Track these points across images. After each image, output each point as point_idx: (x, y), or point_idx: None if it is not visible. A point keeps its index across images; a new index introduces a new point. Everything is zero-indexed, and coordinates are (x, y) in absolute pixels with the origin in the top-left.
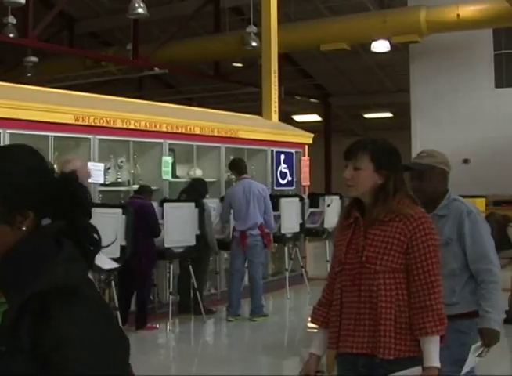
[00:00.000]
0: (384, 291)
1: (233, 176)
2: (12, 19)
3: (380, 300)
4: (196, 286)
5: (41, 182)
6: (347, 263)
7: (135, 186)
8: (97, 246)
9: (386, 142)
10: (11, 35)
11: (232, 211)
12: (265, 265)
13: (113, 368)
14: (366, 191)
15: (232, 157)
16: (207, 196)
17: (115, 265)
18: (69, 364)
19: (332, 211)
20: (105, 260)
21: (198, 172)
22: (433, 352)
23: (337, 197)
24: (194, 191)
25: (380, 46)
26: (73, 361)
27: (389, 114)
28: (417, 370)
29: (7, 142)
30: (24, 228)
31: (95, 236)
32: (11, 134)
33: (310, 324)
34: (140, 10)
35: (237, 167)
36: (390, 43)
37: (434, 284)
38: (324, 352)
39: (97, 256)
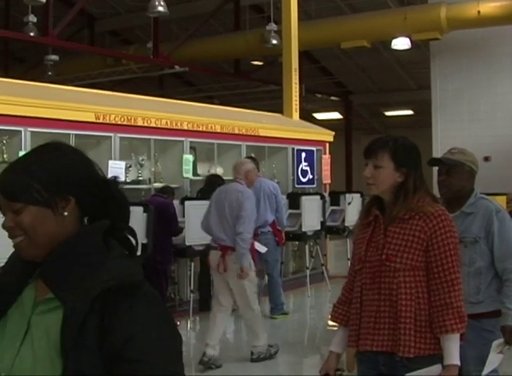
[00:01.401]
0: (404, 289)
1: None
2: (32, 18)
3: (400, 298)
4: None
5: (84, 175)
6: (367, 261)
7: (156, 184)
8: (133, 250)
9: (406, 140)
10: (31, 34)
11: None
12: (285, 263)
13: (174, 362)
14: (387, 189)
15: (253, 155)
16: None
17: None
18: (137, 360)
19: (353, 209)
20: None
21: (219, 170)
22: (453, 349)
23: (357, 195)
24: (210, 189)
25: (401, 43)
26: (141, 356)
27: (410, 112)
28: (437, 368)
29: (28, 141)
30: (66, 213)
31: (133, 240)
32: (32, 132)
33: (330, 322)
34: (160, 8)
35: None
36: (410, 40)
37: (454, 282)
38: (344, 351)
39: None
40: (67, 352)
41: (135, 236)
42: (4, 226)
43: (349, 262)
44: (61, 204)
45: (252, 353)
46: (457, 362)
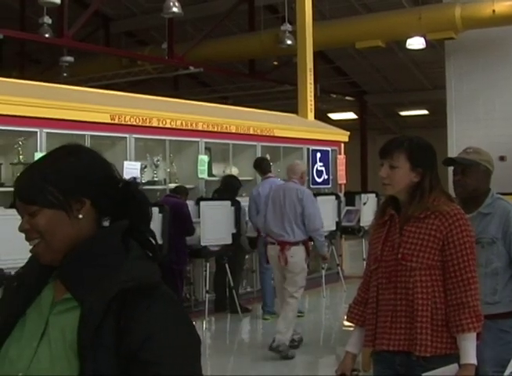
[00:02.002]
0: (420, 288)
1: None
2: (47, 20)
3: (417, 297)
4: (232, 284)
5: (100, 177)
6: (383, 260)
7: (172, 185)
8: (154, 251)
9: (421, 140)
10: (47, 35)
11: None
12: None
13: (192, 363)
14: (402, 189)
15: (268, 156)
16: (243, 194)
17: None
18: (154, 361)
19: (368, 209)
20: None
21: (234, 171)
22: (470, 349)
23: (373, 195)
24: (226, 190)
25: (416, 43)
26: (158, 357)
27: (425, 112)
28: (454, 367)
29: (44, 142)
30: (81, 216)
31: (154, 242)
32: (48, 133)
33: (346, 323)
34: (175, 9)
35: (261, 166)
36: (425, 40)
37: (471, 281)
38: (360, 351)
39: None
40: (84, 352)
41: (154, 237)
42: (20, 229)
43: (364, 263)
44: (76, 207)
45: (273, 340)
46: (474, 361)
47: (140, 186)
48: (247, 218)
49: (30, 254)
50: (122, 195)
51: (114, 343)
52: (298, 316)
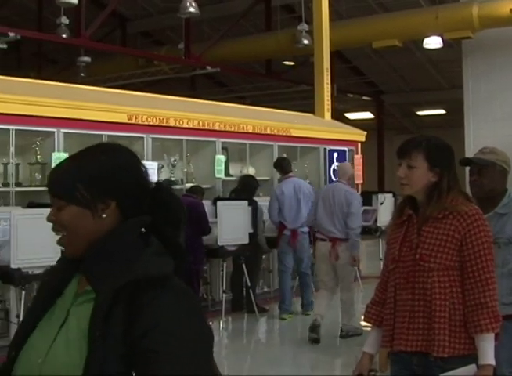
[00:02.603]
0: (438, 289)
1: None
2: (64, 20)
3: (435, 298)
4: (249, 284)
5: (129, 180)
6: (400, 261)
7: (189, 185)
8: (177, 251)
9: (439, 140)
10: (64, 36)
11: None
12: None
13: (198, 356)
14: (420, 189)
15: (285, 156)
16: (261, 194)
17: None
18: (156, 350)
19: (385, 209)
20: None
21: (251, 170)
22: (488, 349)
23: (390, 195)
24: (244, 190)
25: (433, 42)
26: (160, 346)
27: (442, 111)
28: (472, 368)
29: (61, 142)
30: (104, 215)
31: (178, 245)
32: (65, 133)
33: (363, 323)
34: (192, 9)
35: (282, 165)
36: (442, 39)
37: (489, 281)
38: (377, 351)
39: None
40: (93, 341)
41: (177, 237)
42: (47, 219)
43: (381, 263)
44: (100, 207)
45: (341, 330)
46: (492, 362)
47: (173, 189)
48: (265, 218)
49: (46, 254)
50: (151, 198)
51: (122, 332)
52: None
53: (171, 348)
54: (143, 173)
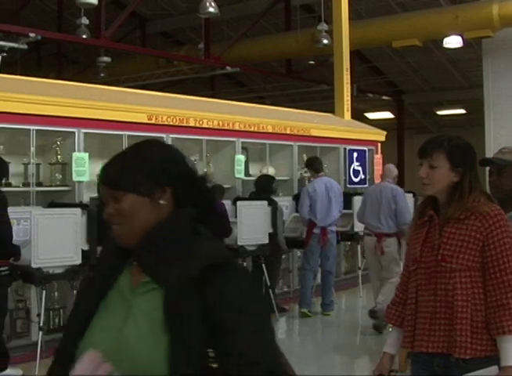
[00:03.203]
0: (460, 290)
1: (308, 174)
2: (84, 20)
3: (456, 299)
4: (268, 284)
5: (181, 169)
6: (422, 262)
7: (208, 185)
8: (222, 234)
9: (461, 139)
10: (84, 36)
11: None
12: (337, 263)
13: (270, 329)
14: (442, 189)
15: (305, 156)
16: (280, 194)
17: None
18: (236, 330)
19: None
20: None
21: (271, 170)
22: (510, 351)
23: (410, 195)
24: (262, 190)
25: (453, 42)
26: (242, 324)
27: (462, 111)
28: (494, 369)
29: (81, 142)
30: (162, 202)
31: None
32: (85, 133)
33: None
34: (211, 9)
35: (315, 165)
36: (462, 38)
37: (511, 283)
38: (398, 352)
39: None
40: (174, 327)
41: (221, 223)
42: (105, 215)
43: (401, 262)
44: (158, 194)
45: (375, 305)
46: None
47: (209, 182)
48: (284, 218)
49: (67, 254)
50: (196, 187)
51: (201, 317)
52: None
53: (251, 324)
54: (191, 164)
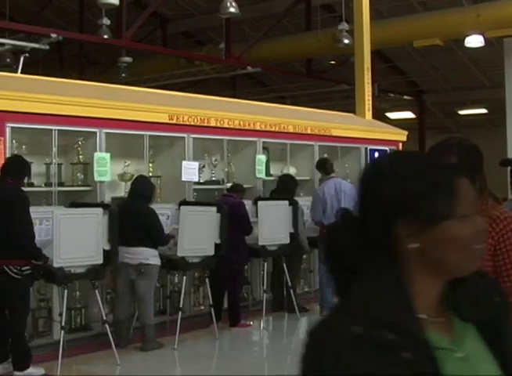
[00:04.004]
0: None
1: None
2: (106, 21)
3: None
4: (289, 284)
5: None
6: None
7: (230, 185)
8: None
9: (469, 141)
10: (105, 36)
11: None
12: None
13: None
14: None
15: (326, 155)
16: (301, 194)
17: None
18: None
19: None
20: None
21: (292, 170)
22: None
23: None
24: (284, 190)
25: (474, 41)
26: None
27: (484, 110)
28: None
29: (103, 142)
30: None
31: None
32: (107, 133)
33: None
34: (232, 9)
35: (325, 166)
36: (484, 38)
37: None
38: None
39: None
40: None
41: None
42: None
43: None
44: None
45: None
46: None
47: None
48: (305, 218)
49: (88, 253)
50: None
51: None
52: None
53: None
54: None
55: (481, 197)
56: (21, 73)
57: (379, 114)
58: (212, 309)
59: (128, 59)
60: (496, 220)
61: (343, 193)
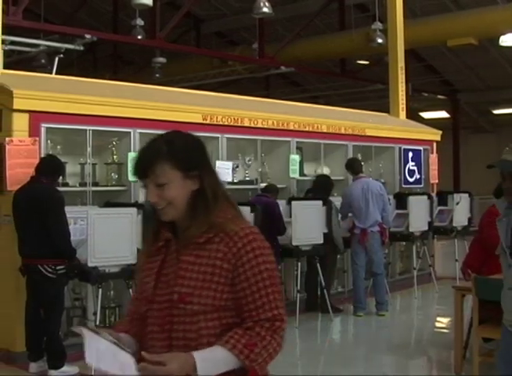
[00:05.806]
0: (207, 338)
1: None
2: (140, 22)
3: (202, 349)
4: (323, 284)
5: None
6: (156, 302)
7: (263, 184)
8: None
9: (180, 135)
10: (139, 37)
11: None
12: (392, 263)
13: None
14: (185, 206)
15: (360, 155)
16: (335, 194)
17: None
18: None
19: (461, 209)
20: None
21: (325, 170)
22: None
23: (466, 195)
24: (320, 189)
25: (509, 40)
26: None
27: None
28: None
29: (137, 142)
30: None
31: None
32: (141, 133)
33: (438, 324)
34: (265, 9)
35: (353, 166)
36: None
37: (276, 325)
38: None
39: None
40: None
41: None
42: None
43: (457, 263)
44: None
45: None
46: None
47: None
48: (339, 218)
49: (122, 253)
50: None
51: None
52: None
53: None
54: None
55: (218, 204)
56: (56, 74)
57: (413, 114)
58: None
59: (161, 59)
60: (234, 237)
61: (370, 192)
